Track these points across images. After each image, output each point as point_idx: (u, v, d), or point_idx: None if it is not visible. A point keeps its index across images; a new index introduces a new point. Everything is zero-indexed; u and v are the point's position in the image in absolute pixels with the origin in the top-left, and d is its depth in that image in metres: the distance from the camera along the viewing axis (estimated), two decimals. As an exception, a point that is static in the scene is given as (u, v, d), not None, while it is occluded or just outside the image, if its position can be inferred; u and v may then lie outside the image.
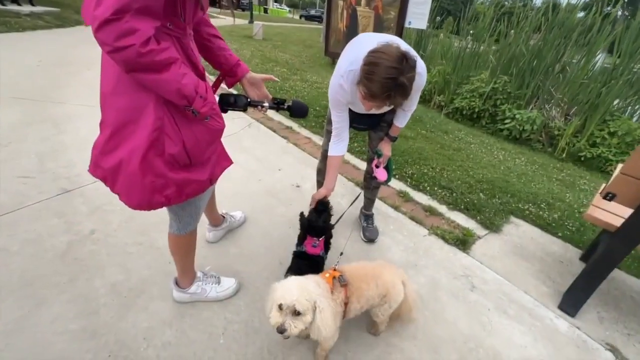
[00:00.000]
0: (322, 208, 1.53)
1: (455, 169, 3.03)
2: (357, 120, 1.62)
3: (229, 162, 1.34)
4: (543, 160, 4.03)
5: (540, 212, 2.49)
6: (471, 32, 6.06)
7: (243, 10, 27.71)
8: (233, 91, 2.55)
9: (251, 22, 12.09)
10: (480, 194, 2.62)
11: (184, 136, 0.99)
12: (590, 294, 1.63)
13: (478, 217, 2.31)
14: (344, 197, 2.42)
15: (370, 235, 1.98)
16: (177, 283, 1.43)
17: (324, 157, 1.85)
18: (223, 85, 1.32)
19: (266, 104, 1.28)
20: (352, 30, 3.25)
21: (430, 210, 2.34)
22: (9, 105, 3.20)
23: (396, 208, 2.33)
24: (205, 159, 1.11)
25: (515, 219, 2.41)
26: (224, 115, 1.14)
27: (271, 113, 3.93)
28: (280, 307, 1.00)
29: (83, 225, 1.84)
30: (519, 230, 2.30)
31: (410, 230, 2.14)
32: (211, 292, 1.46)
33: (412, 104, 1.55)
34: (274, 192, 2.38)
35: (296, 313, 0.99)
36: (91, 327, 1.31)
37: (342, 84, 1.35)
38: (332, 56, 3.68)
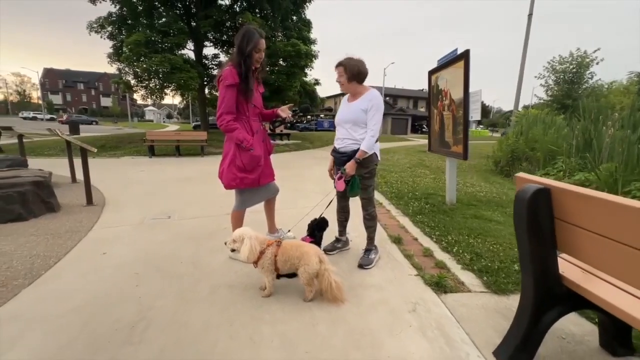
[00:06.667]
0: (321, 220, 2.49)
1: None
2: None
3: (271, 178, 2.62)
4: None
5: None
6: None
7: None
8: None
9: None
10: (516, 265, 2.35)
11: (242, 158, 2.36)
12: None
13: (484, 278, 2.19)
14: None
15: (361, 262, 2.47)
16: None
17: (338, 210, 2.74)
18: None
19: (290, 114, 2.58)
20: (442, 130, 4.00)
21: (440, 265, 2.44)
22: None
23: (408, 257, 2.60)
24: (252, 169, 2.42)
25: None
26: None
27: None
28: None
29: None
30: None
31: (403, 271, 2.39)
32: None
33: (372, 123, 2.25)
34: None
35: (233, 241, 1.97)
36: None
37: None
38: (434, 152, 4.47)
